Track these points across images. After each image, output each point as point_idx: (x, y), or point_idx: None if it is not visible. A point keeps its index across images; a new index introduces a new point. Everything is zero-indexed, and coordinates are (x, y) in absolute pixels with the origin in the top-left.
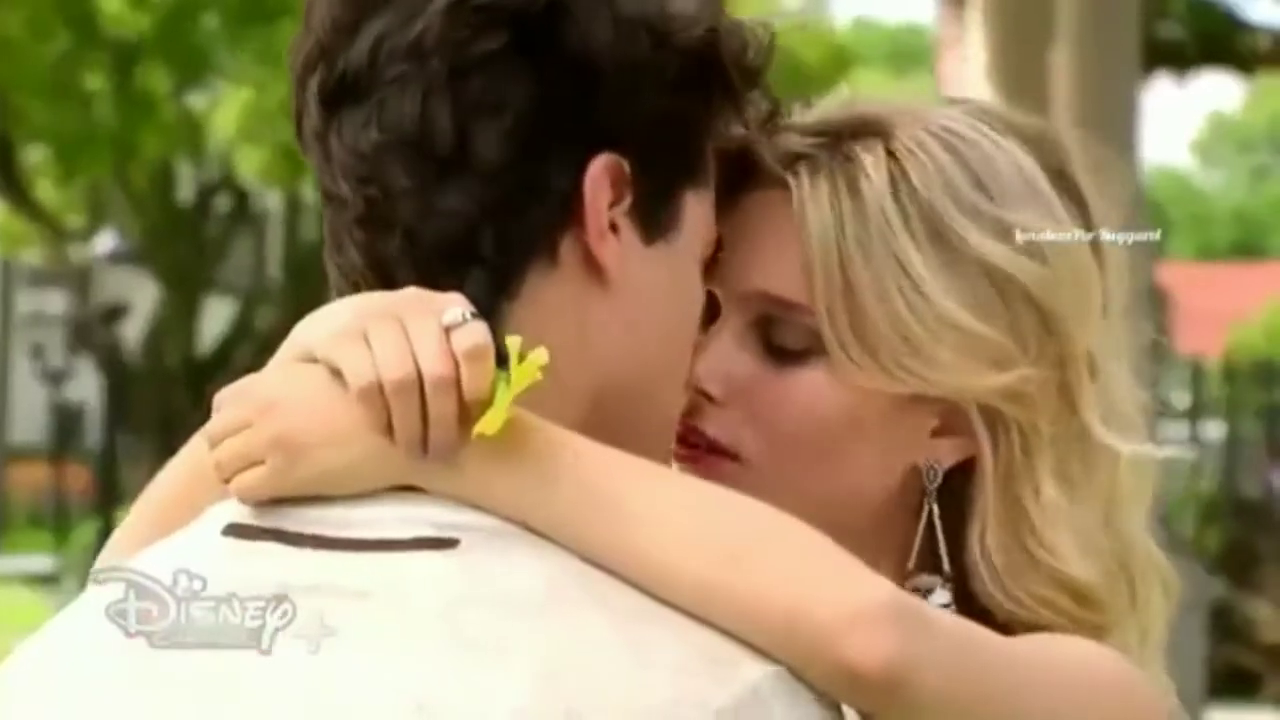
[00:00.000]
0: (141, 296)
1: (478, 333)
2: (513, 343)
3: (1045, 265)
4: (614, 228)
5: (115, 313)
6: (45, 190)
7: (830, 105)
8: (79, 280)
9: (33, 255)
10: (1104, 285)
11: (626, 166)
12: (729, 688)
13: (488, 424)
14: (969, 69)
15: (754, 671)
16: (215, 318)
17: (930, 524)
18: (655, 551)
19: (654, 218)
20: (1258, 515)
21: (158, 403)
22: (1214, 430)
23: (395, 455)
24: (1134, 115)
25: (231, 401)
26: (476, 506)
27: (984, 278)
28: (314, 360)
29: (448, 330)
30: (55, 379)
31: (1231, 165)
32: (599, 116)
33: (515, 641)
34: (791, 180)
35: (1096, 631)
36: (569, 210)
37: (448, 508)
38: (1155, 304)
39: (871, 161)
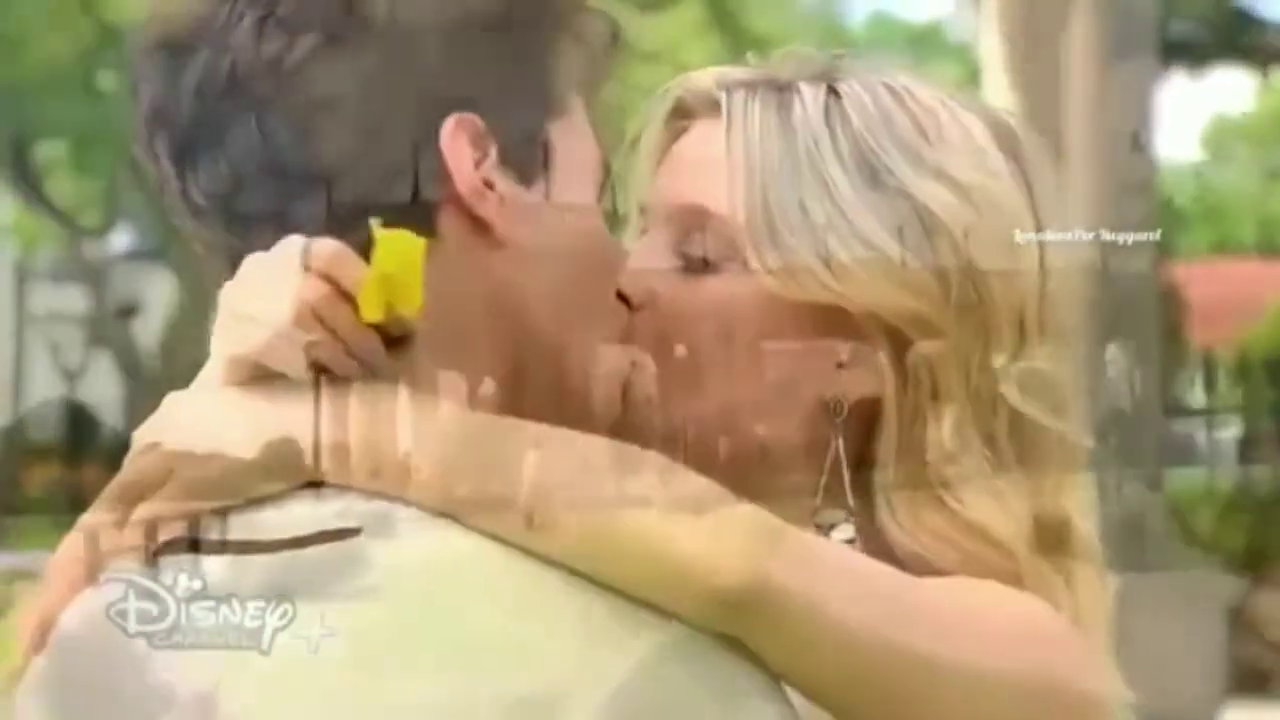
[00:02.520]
0: (158, 293)
1: (323, 243)
2: (373, 224)
3: (976, 214)
4: (489, 184)
5: (131, 310)
6: (61, 187)
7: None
8: (95, 277)
9: (48, 252)
10: (1043, 262)
11: (480, 120)
12: (631, 656)
13: (366, 309)
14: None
15: (654, 635)
16: None
17: (836, 459)
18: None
19: (525, 160)
20: (1272, 512)
21: None
22: (1229, 427)
23: (294, 452)
24: (1149, 111)
25: (143, 454)
26: (377, 495)
27: (911, 212)
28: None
29: (304, 259)
30: (71, 376)
31: (1245, 161)
32: (433, 80)
33: (421, 627)
34: (723, 99)
35: (1013, 580)
36: (437, 182)
37: (355, 498)
38: (1167, 300)
39: (811, 93)
